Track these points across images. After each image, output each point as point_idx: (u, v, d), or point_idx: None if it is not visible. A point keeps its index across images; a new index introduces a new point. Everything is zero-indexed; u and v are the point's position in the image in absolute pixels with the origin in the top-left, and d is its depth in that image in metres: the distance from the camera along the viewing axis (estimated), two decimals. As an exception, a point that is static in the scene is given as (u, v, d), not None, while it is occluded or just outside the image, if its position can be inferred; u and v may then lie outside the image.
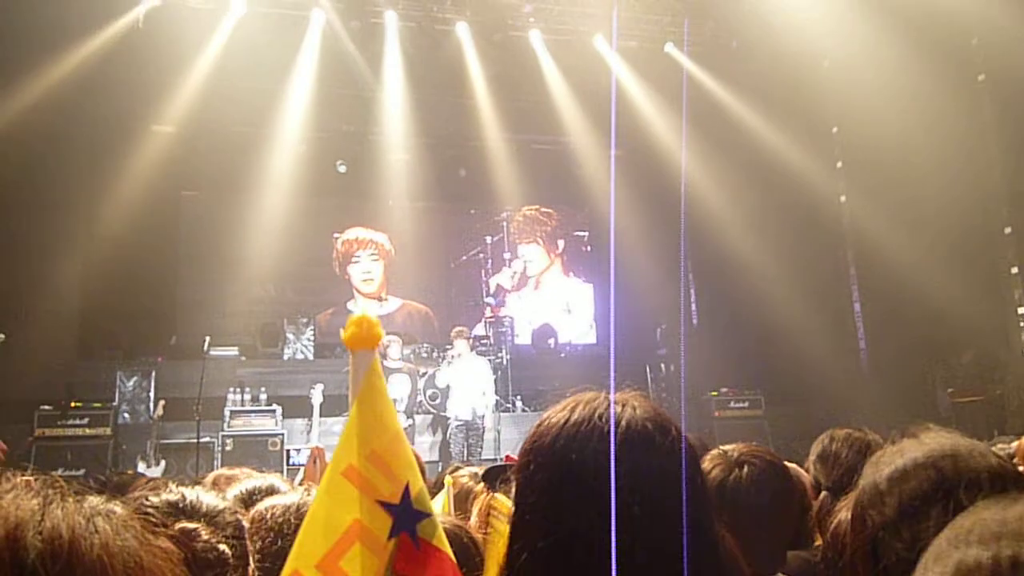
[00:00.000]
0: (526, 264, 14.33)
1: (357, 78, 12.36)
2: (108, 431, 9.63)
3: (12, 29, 9.77)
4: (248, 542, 1.61)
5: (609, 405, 1.20)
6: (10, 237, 10.58)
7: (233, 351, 11.09)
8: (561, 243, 14.57)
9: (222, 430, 9.76)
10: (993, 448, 1.42)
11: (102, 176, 11.27)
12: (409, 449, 1.06)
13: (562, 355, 12.87)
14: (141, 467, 8.91)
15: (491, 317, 12.75)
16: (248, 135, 12.29)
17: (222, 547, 1.48)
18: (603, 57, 12.18)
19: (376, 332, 1.07)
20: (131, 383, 10.51)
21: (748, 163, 12.05)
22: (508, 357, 11.72)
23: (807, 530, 2.44)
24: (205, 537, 1.47)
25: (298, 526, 1.03)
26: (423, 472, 2.91)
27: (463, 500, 2.79)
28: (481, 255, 13.57)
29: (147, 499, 1.55)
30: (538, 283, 14.47)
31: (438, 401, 10.35)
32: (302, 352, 12.20)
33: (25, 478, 0.70)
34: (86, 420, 9.57)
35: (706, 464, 1.92)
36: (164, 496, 1.57)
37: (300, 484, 2.81)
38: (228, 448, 9.51)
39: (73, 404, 9.66)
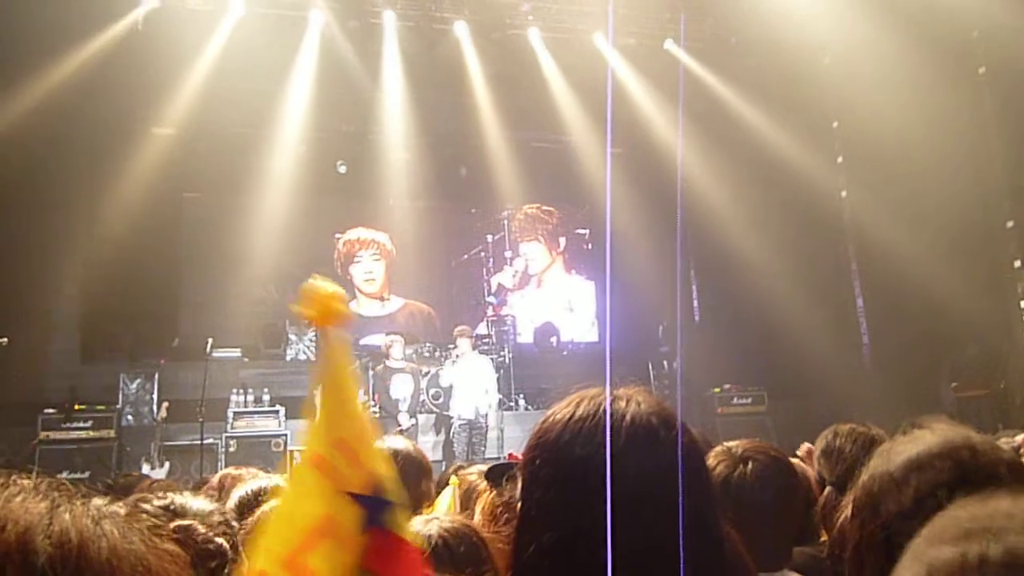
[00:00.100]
0: (527, 263, 14.33)
1: (356, 78, 12.36)
2: (112, 433, 9.65)
3: (11, 32, 9.78)
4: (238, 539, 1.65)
5: (614, 400, 1.21)
6: (12, 240, 10.59)
7: (236, 352, 11.11)
8: (563, 241, 14.57)
9: (225, 431, 9.77)
10: (998, 442, 1.43)
11: (103, 179, 11.27)
12: (374, 435, 1.01)
13: (564, 353, 12.87)
14: (145, 469, 8.92)
15: (493, 316, 12.75)
16: (248, 136, 12.30)
17: (219, 540, 1.53)
18: (602, 55, 12.17)
19: (339, 307, 0.99)
20: (134, 385, 10.53)
21: (749, 159, 12.04)
22: (510, 356, 11.73)
23: (812, 526, 2.44)
24: (202, 531, 1.53)
25: None
26: (430, 472, 2.91)
27: (467, 498, 2.79)
28: (482, 254, 13.57)
29: (140, 504, 1.62)
30: (540, 281, 14.47)
31: (441, 400, 10.36)
32: (304, 353, 12.21)
33: (32, 481, 0.70)
34: (90, 423, 9.58)
35: (710, 460, 1.92)
36: (156, 502, 1.64)
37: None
38: (232, 449, 9.52)
39: (77, 407, 9.68)
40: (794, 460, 2.54)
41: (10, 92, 9.80)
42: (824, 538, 2.46)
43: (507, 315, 12.97)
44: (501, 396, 10.76)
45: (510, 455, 2.52)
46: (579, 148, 13.04)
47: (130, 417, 10.33)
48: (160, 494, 1.71)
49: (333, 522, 0.90)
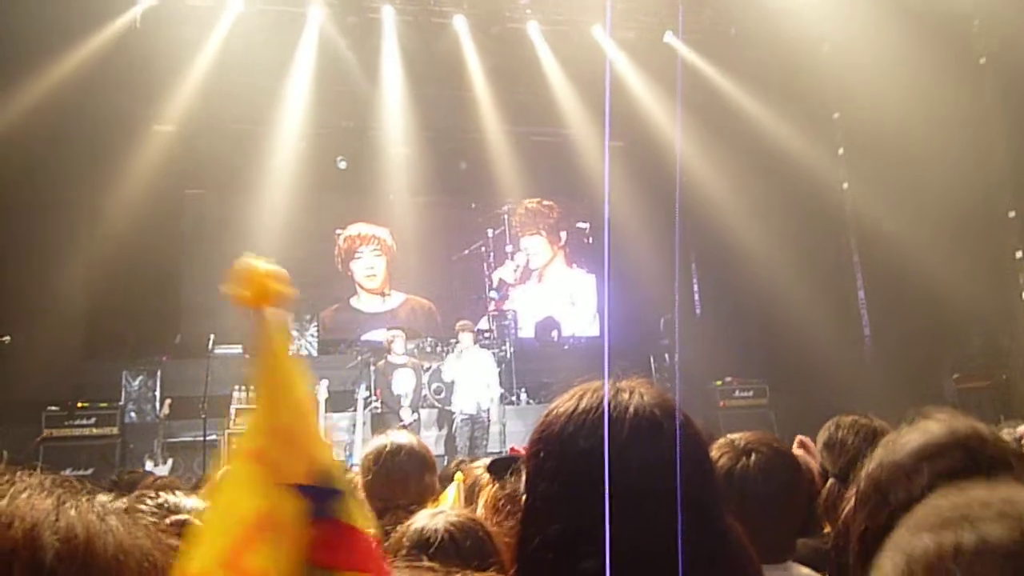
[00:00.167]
0: (528, 257, 14.32)
1: (355, 74, 12.35)
2: (115, 430, 9.67)
3: (10, 31, 9.77)
4: None
5: (617, 393, 1.21)
6: (14, 239, 10.60)
7: (238, 349, 11.10)
8: (563, 235, 14.56)
9: (228, 428, 9.76)
10: (1000, 433, 1.43)
11: (104, 176, 11.28)
12: (317, 421, 0.93)
13: (565, 347, 12.87)
14: (148, 466, 8.94)
15: (494, 311, 12.76)
16: (248, 133, 12.30)
17: None
18: (602, 47, 12.15)
19: (272, 285, 0.91)
20: (137, 382, 10.54)
21: (749, 151, 12.02)
22: (512, 350, 11.73)
23: (815, 518, 2.44)
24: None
25: None
26: (434, 467, 2.92)
27: (471, 492, 2.80)
28: (483, 248, 13.56)
29: (135, 504, 1.65)
30: (541, 276, 14.47)
31: (443, 395, 10.36)
32: (306, 348, 12.23)
33: (37, 478, 0.71)
34: (93, 420, 9.60)
35: (713, 453, 1.92)
36: (149, 501, 1.67)
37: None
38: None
39: (80, 404, 9.69)
40: (797, 452, 2.54)
41: (10, 91, 9.79)
42: (827, 530, 2.47)
43: (508, 310, 12.97)
44: (503, 390, 10.77)
45: (511, 449, 2.52)
46: (579, 141, 13.02)
47: (133, 414, 10.35)
48: (152, 493, 1.73)
49: (274, 517, 0.84)
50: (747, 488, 1.88)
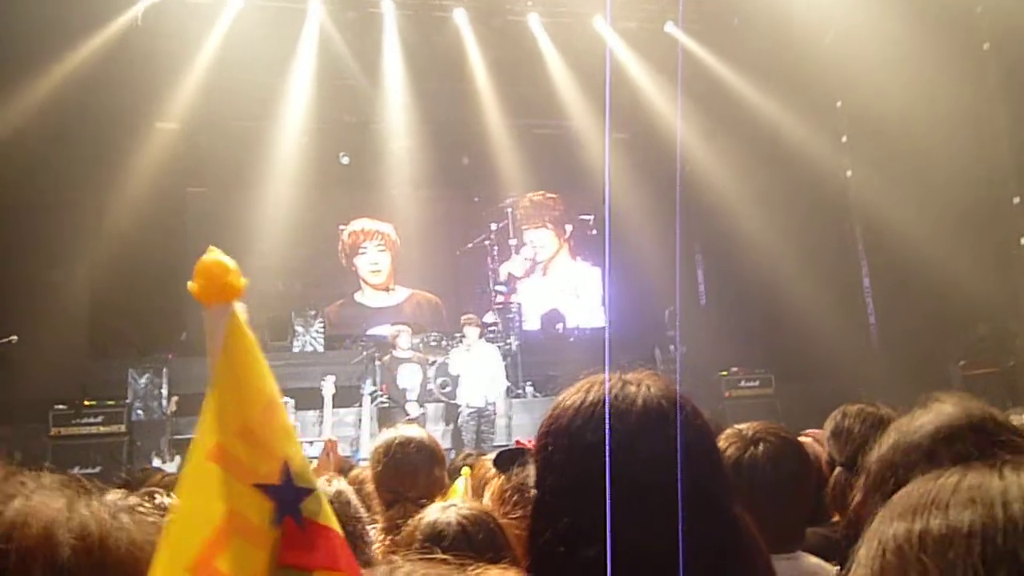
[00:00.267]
0: (536, 250, 14.32)
1: (356, 69, 12.34)
2: (123, 428, 9.68)
3: (12, 31, 9.77)
4: None
5: (624, 385, 1.21)
6: (18, 238, 10.61)
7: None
8: (569, 227, 14.55)
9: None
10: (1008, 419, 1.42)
11: (107, 175, 11.29)
12: (286, 417, 0.90)
13: (571, 339, 12.88)
14: (156, 463, 8.96)
15: (499, 304, 12.76)
16: (250, 129, 12.31)
17: None
18: (603, 38, 12.12)
19: (230, 280, 0.87)
20: (143, 380, 10.56)
21: (752, 141, 11.99)
22: (517, 343, 11.74)
23: (823, 507, 2.44)
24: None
25: None
26: (443, 460, 2.93)
27: (480, 485, 2.81)
28: (487, 242, 13.56)
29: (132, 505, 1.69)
30: (546, 268, 14.47)
31: (448, 389, 10.37)
32: (311, 344, 12.24)
33: (49, 478, 0.71)
34: (100, 418, 9.62)
35: (721, 443, 1.92)
36: (147, 503, 1.69)
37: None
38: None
39: (87, 403, 9.71)
40: (804, 440, 2.54)
41: (13, 90, 9.80)
42: (836, 519, 2.47)
43: (513, 303, 12.97)
44: (509, 384, 10.78)
45: (517, 441, 2.53)
46: (581, 133, 13.00)
47: (140, 412, 10.37)
48: (148, 495, 1.75)
49: (240, 518, 0.81)
50: (756, 477, 1.88)
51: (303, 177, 12.28)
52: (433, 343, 11.64)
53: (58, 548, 0.63)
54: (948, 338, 10.27)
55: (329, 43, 11.85)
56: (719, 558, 1.16)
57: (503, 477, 2.30)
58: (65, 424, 9.48)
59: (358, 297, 13.60)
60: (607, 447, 1.10)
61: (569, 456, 1.18)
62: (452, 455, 6.85)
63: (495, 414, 10.08)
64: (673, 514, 1.09)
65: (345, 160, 13.12)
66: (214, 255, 0.87)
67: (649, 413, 1.17)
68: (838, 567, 1.87)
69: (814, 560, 1.89)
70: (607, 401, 1.17)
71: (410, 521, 1.93)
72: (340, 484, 2.36)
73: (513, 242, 13.89)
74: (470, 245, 13.58)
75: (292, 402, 10.16)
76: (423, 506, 2.43)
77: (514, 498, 2.13)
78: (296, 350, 11.94)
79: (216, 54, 11.21)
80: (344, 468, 4.24)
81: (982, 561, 0.67)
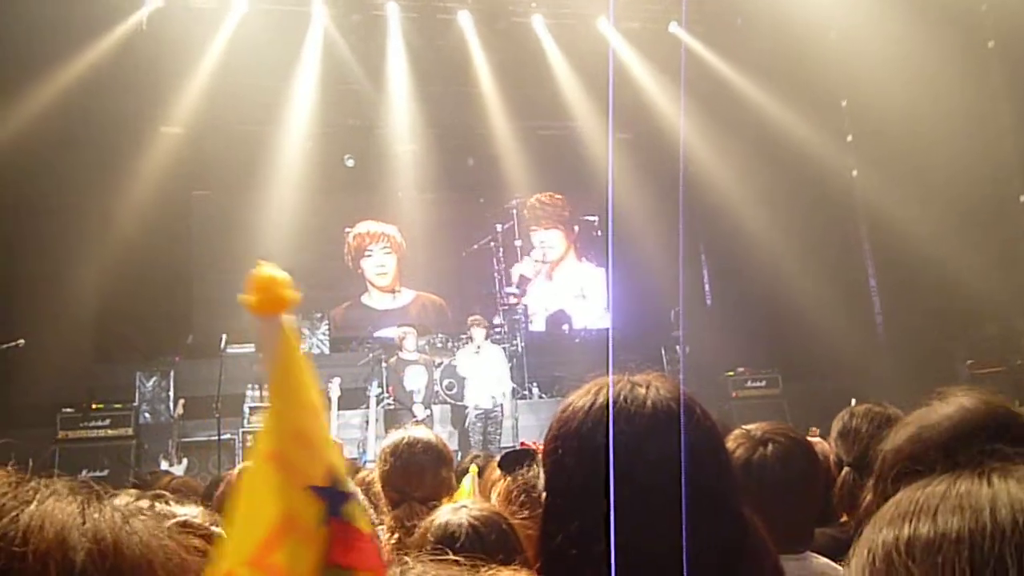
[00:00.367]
0: (545, 251, 14.33)
1: (361, 72, 12.36)
2: (130, 431, 9.70)
3: (17, 36, 9.80)
4: None
5: (633, 387, 1.21)
6: (24, 242, 10.66)
7: (250, 348, 11.14)
8: (575, 228, 14.56)
9: (242, 427, 9.82)
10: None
11: (113, 179, 11.33)
12: (327, 426, 0.97)
13: (576, 340, 12.88)
14: (164, 466, 8.98)
15: (504, 305, 12.77)
16: (255, 133, 12.33)
17: (215, 528, 1.59)
18: (607, 39, 12.12)
19: (283, 293, 0.95)
20: (150, 383, 10.59)
21: (757, 141, 11.98)
22: (523, 344, 11.74)
23: (831, 507, 2.44)
24: (199, 522, 1.59)
25: None
26: (450, 461, 2.94)
27: (484, 486, 2.81)
28: (492, 244, 13.56)
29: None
30: (552, 270, 14.47)
31: (455, 391, 10.38)
32: (318, 347, 12.26)
33: (61, 482, 0.72)
34: (108, 421, 9.64)
35: (730, 444, 1.92)
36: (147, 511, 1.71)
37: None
38: (249, 444, 9.57)
39: (94, 406, 9.74)
40: (813, 440, 2.54)
41: (18, 95, 9.84)
42: (843, 519, 2.46)
43: (518, 304, 12.97)
44: (514, 385, 10.78)
45: (522, 443, 2.54)
46: (586, 134, 13.01)
47: (147, 415, 10.39)
48: (147, 503, 1.79)
49: (294, 517, 0.88)
50: (766, 478, 1.88)
51: (308, 180, 12.31)
52: (439, 345, 11.65)
53: (73, 551, 0.64)
54: (955, 337, 10.25)
55: (333, 47, 11.88)
56: (727, 558, 1.16)
57: (509, 478, 2.31)
58: (73, 427, 9.52)
59: (364, 299, 13.62)
60: (611, 447, 1.10)
61: (579, 459, 1.18)
62: (459, 456, 6.86)
63: (502, 415, 10.09)
64: (681, 515, 1.09)
65: (350, 163, 13.14)
66: (268, 269, 0.95)
67: (659, 415, 1.18)
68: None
69: (823, 560, 1.89)
70: (611, 403, 1.17)
71: (418, 522, 1.93)
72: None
73: (519, 243, 13.89)
74: (475, 247, 13.58)
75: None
76: (430, 506, 2.44)
77: (521, 498, 2.14)
78: (303, 351, 11.94)
79: (221, 58, 11.24)
80: (350, 470, 4.24)
81: (970, 566, 0.67)
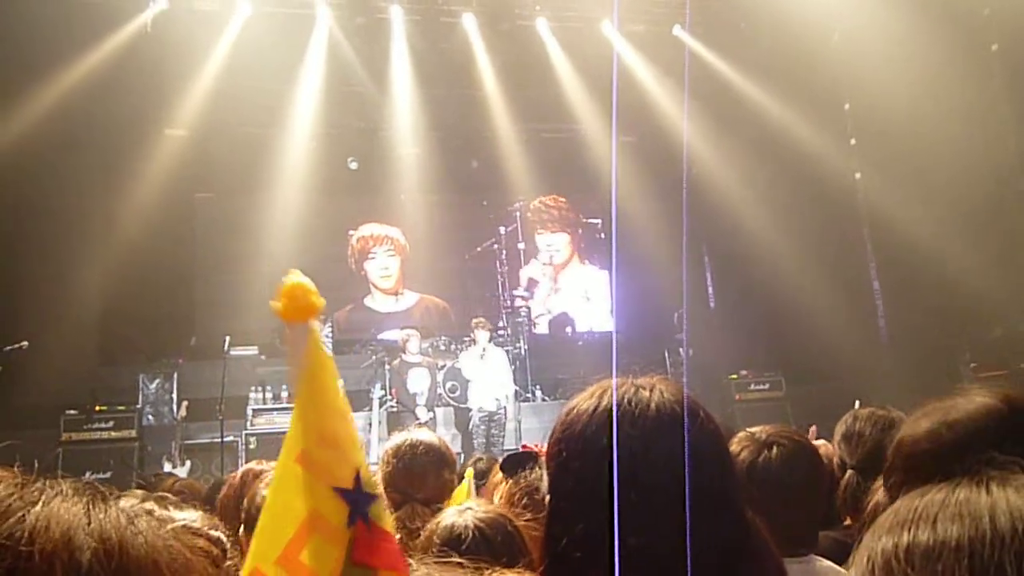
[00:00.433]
0: (552, 254, 14.34)
1: (365, 74, 12.37)
2: (133, 433, 9.72)
3: (20, 39, 9.83)
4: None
5: (637, 390, 1.22)
6: (27, 245, 10.68)
7: (253, 350, 11.17)
8: (579, 231, 14.57)
9: (245, 429, 9.83)
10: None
11: (117, 181, 11.36)
12: (355, 428, 1.00)
13: (580, 343, 12.87)
14: (167, 467, 9.00)
15: (509, 308, 12.77)
16: (259, 135, 12.35)
17: (215, 532, 1.60)
18: (611, 42, 12.13)
19: (312, 300, 0.97)
20: (153, 385, 10.60)
21: (761, 144, 11.98)
22: (526, 347, 11.74)
23: (835, 510, 2.44)
24: (198, 526, 1.62)
25: None
26: (452, 463, 2.95)
27: (489, 490, 2.82)
28: (495, 246, 13.57)
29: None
30: (557, 272, 14.47)
31: (458, 394, 10.38)
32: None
33: (66, 484, 0.72)
34: (111, 423, 9.66)
35: (735, 446, 1.92)
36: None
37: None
38: (252, 447, 9.58)
39: (98, 408, 9.75)
40: (818, 442, 2.54)
41: (22, 97, 9.87)
42: (847, 522, 2.46)
43: (522, 307, 12.98)
44: (517, 388, 10.78)
45: (523, 446, 2.55)
46: (590, 137, 13.02)
47: (150, 417, 10.40)
48: (147, 507, 1.80)
49: (320, 518, 0.90)
50: (770, 481, 1.88)
51: (311, 183, 12.32)
52: (442, 347, 11.66)
53: (79, 551, 0.64)
54: (959, 340, 10.23)
55: (337, 49, 11.89)
56: (729, 561, 1.16)
57: (511, 481, 2.31)
58: (76, 429, 9.53)
59: (367, 302, 13.63)
60: (614, 449, 1.11)
61: (583, 461, 1.18)
62: (463, 459, 6.86)
63: (505, 418, 10.09)
64: (685, 518, 1.09)
65: (354, 165, 13.15)
66: (297, 277, 0.97)
67: (663, 418, 1.18)
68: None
69: (827, 563, 1.89)
70: (614, 406, 1.17)
71: (420, 523, 1.93)
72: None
73: (522, 246, 13.89)
74: (479, 249, 13.59)
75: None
76: (432, 508, 2.45)
77: (523, 501, 2.14)
78: (306, 355, 11.95)
79: (225, 61, 11.26)
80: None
81: (970, 574, 0.68)
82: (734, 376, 11.16)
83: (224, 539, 1.64)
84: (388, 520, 0.95)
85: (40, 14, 9.93)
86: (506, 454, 3.00)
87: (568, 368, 11.59)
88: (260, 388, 10.58)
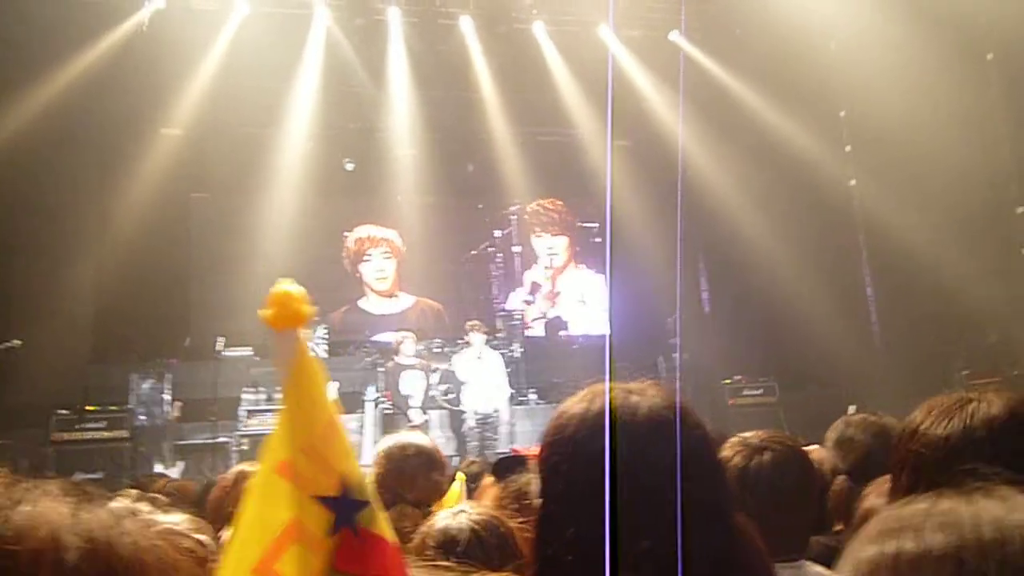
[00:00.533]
0: (552, 258, 14.35)
1: (362, 75, 12.38)
2: (125, 434, 9.66)
3: (17, 36, 9.82)
4: None
5: (628, 395, 1.21)
6: (22, 242, 10.65)
7: (247, 351, 11.13)
8: (576, 235, 14.59)
9: (238, 430, 9.80)
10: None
11: (112, 180, 11.34)
12: (345, 435, 0.98)
13: (575, 347, 12.88)
14: (159, 468, 8.96)
15: (503, 312, 12.77)
16: (255, 136, 12.34)
17: (200, 536, 1.60)
18: (607, 47, 12.16)
19: (300, 308, 0.95)
20: (146, 385, 10.56)
21: (756, 150, 12.00)
22: (521, 350, 11.73)
23: (827, 515, 2.44)
24: (183, 528, 1.60)
25: None
26: (442, 466, 2.96)
27: (481, 492, 2.83)
28: (490, 249, 13.57)
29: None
30: (555, 276, 14.48)
31: (451, 396, 10.37)
32: (315, 351, 12.23)
33: (54, 484, 0.72)
34: (103, 423, 9.60)
35: (727, 451, 1.92)
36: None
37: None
38: (245, 447, 9.55)
39: (89, 408, 9.70)
40: (809, 448, 2.54)
41: (18, 95, 9.84)
42: (838, 527, 2.46)
43: (515, 310, 12.97)
44: (512, 391, 10.78)
45: (513, 450, 2.55)
46: (586, 141, 13.03)
47: (143, 417, 10.35)
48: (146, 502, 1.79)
49: (300, 527, 0.89)
50: (762, 485, 1.88)
51: (307, 183, 12.31)
52: (436, 350, 11.65)
53: (66, 551, 0.64)
54: (952, 347, 10.25)
55: (335, 50, 11.90)
56: (720, 566, 1.16)
57: (500, 485, 2.31)
58: (67, 429, 9.47)
59: (362, 303, 13.62)
60: (607, 453, 1.10)
61: (574, 465, 1.18)
62: (456, 462, 6.85)
63: (499, 421, 10.08)
64: (675, 523, 1.09)
65: (350, 167, 13.14)
66: (286, 285, 0.95)
67: (653, 423, 1.18)
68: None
69: (818, 568, 1.89)
70: (607, 410, 1.17)
71: (409, 524, 1.94)
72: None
73: (517, 249, 13.88)
74: (474, 252, 13.59)
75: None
76: (421, 509, 2.45)
77: (513, 506, 2.14)
78: (300, 356, 11.93)
79: (222, 60, 11.26)
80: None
81: None
82: (727, 381, 11.16)
83: (210, 542, 1.64)
84: (382, 525, 0.93)
85: (37, 12, 9.92)
86: (498, 457, 3.01)
87: (563, 371, 11.58)
88: (253, 389, 10.55)
